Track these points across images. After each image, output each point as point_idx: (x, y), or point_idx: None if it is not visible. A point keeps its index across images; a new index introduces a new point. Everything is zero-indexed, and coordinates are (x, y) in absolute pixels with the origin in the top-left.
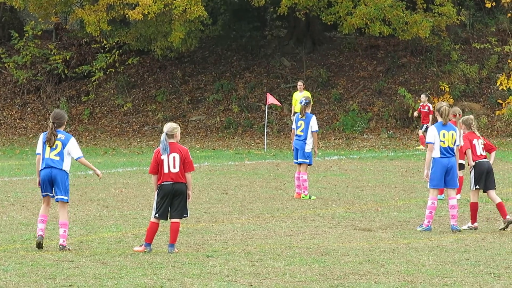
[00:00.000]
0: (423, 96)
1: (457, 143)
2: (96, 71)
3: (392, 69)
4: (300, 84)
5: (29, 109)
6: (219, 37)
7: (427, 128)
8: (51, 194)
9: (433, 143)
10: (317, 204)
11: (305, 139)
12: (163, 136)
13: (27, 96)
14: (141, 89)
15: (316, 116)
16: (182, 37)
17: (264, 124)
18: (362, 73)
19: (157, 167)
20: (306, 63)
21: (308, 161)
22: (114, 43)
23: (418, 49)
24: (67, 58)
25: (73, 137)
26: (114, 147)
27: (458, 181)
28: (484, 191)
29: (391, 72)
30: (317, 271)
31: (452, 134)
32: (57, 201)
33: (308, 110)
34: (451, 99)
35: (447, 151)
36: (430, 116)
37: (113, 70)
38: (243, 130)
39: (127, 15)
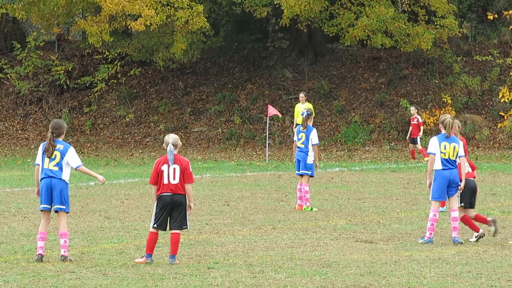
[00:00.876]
0: (412, 108)
1: (460, 154)
2: (98, 82)
3: (394, 81)
4: (302, 95)
5: (31, 120)
6: (221, 48)
7: (420, 139)
8: (49, 207)
9: (434, 154)
10: (318, 216)
11: (307, 151)
12: (170, 147)
13: (29, 107)
14: (143, 100)
15: (318, 127)
16: (184, 48)
17: (266, 136)
18: (364, 84)
19: (157, 178)
20: (308, 74)
21: (310, 172)
22: (116, 54)
23: (420, 61)
24: (69, 69)
25: (72, 147)
26: (116, 158)
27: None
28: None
29: (393, 84)
30: (318, 283)
31: (454, 147)
32: (56, 211)
33: (310, 122)
34: (453, 111)
35: (448, 163)
36: (421, 128)
37: (115, 81)
38: (245, 141)
39: (129, 26)
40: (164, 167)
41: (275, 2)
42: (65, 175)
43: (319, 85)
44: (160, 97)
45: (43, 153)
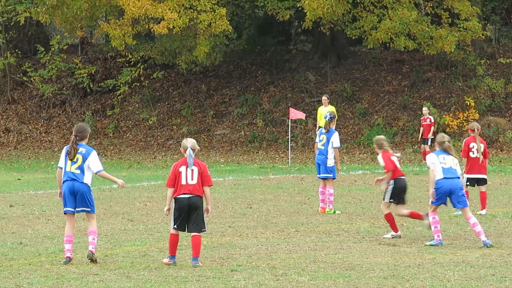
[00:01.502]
0: (424, 109)
1: (476, 155)
2: (121, 85)
3: (417, 84)
4: (324, 98)
5: (54, 122)
6: (244, 51)
7: (432, 141)
8: (72, 210)
9: (434, 164)
10: (341, 219)
11: (327, 154)
12: (189, 151)
13: (53, 110)
14: (166, 103)
15: (340, 130)
16: (207, 51)
17: (289, 138)
18: (387, 87)
19: (174, 180)
20: (330, 77)
21: (331, 175)
22: (139, 57)
23: (443, 64)
24: (93, 72)
25: (94, 151)
26: (139, 160)
27: (466, 199)
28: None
29: (416, 87)
30: (341, 286)
31: (453, 158)
32: (80, 212)
33: (333, 126)
34: (477, 114)
35: (449, 172)
36: (432, 128)
37: (138, 84)
38: (268, 144)
39: (152, 29)
40: (182, 169)
41: (298, 5)
42: (87, 179)
43: (342, 88)
44: (183, 100)
45: (65, 156)
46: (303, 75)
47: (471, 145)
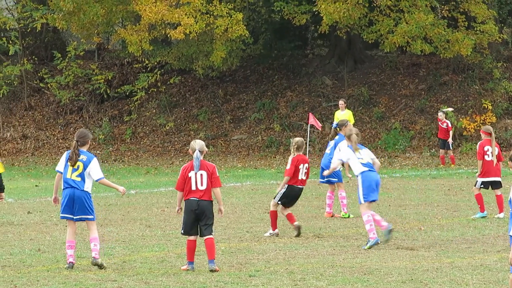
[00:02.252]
0: (440, 113)
1: (491, 158)
2: (138, 91)
3: (434, 87)
4: (341, 102)
5: (71, 129)
6: (261, 56)
7: (449, 145)
8: (70, 216)
9: (350, 159)
10: (359, 223)
11: (331, 158)
12: (197, 153)
13: (70, 116)
14: (183, 108)
15: None
16: (223, 56)
17: (306, 143)
18: (404, 91)
19: (183, 184)
20: (347, 81)
21: (336, 179)
22: (155, 63)
23: (460, 67)
24: (109, 78)
25: (95, 158)
26: (156, 166)
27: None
28: None
29: (433, 90)
30: None
31: (367, 152)
32: (78, 221)
33: (343, 132)
34: (494, 117)
35: (369, 165)
36: (450, 132)
37: (155, 90)
38: (285, 149)
39: (168, 35)
40: (191, 174)
41: (314, 10)
42: (87, 186)
43: (358, 92)
44: (200, 105)
45: (66, 162)
46: (320, 80)
47: (485, 148)
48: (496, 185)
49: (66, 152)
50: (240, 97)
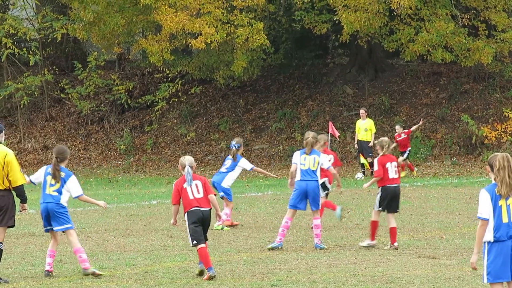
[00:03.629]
0: (397, 127)
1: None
2: (159, 101)
3: (455, 96)
4: (362, 111)
5: (92, 139)
6: (281, 65)
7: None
8: (50, 228)
9: (295, 164)
10: (380, 232)
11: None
12: (187, 168)
13: (91, 127)
14: (204, 118)
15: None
16: (244, 66)
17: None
18: (424, 100)
19: (179, 197)
20: (368, 90)
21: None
22: (176, 73)
23: (480, 76)
24: (130, 88)
25: (73, 175)
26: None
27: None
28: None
29: (454, 99)
30: None
31: (314, 158)
32: (58, 231)
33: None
34: None
35: (307, 174)
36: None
37: (176, 100)
38: None
39: (189, 45)
40: (186, 185)
41: (335, 19)
42: (64, 200)
43: (379, 100)
44: (221, 115)
45: (45, 178)
46: (340, 89)
47: None
48: None
49: (45, 167)
50: (261, 106)
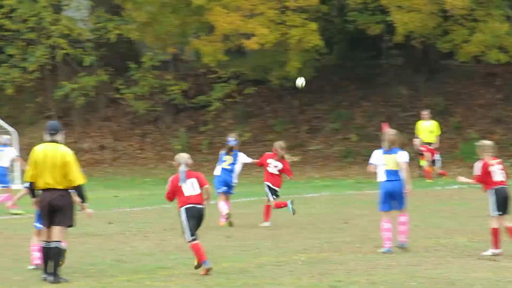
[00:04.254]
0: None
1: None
2: (214, 101)
3: (510, 97)
4: (425, 113)
5: (148, 139)
6: (335, 66)
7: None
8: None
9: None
10: (439, 234)
11: None
12: (183, 167)
13: (146, 127)
14: (259, 118)
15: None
16: (298, 66)
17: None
18: (480, 101)
19: (173, 194)
20: (423, 91)
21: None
22: (230, 73)
23: None
24: (185, 89)
25: None
26: None
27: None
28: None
29: (510, 100)
30: None
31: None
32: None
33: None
34: None
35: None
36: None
37: (231, 100)
38: (363, 159)
39: (243, 45)
40: (182, 183)
41: (388, 19)
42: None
43: (434, 102)
44: (276, 115)
45: None
46: (395, 90)
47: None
48: None
49: None
50: (315, 107)
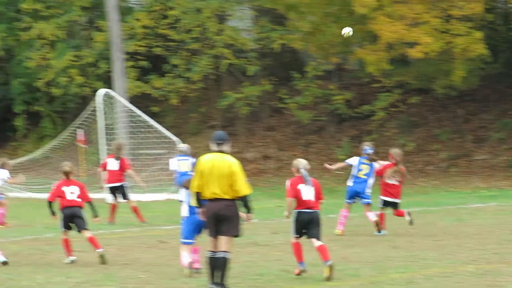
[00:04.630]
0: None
1: None
2: (378, 111)
3: None
4: None
5: (312, 149)
6: (501, 74)
7: None
8: None
9: None
10: None
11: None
12: (303, 171)
13: (310, 137)
14: (423, 128)
15: None
16: (463, 75)
17: None
18: None
19: (295, 193)
20: None
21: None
22: (394, 82)
23: None
24: (348, 98)
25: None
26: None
27: None
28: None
29: None
30: None
31: None
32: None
33: None
34: None
35: None
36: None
37: (395, 110)
38: None
39: (406, 54)
40: (301, 186)
41: None
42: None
43: None
44: (440, 125)
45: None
46: None
47: None
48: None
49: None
50: (480, 116)
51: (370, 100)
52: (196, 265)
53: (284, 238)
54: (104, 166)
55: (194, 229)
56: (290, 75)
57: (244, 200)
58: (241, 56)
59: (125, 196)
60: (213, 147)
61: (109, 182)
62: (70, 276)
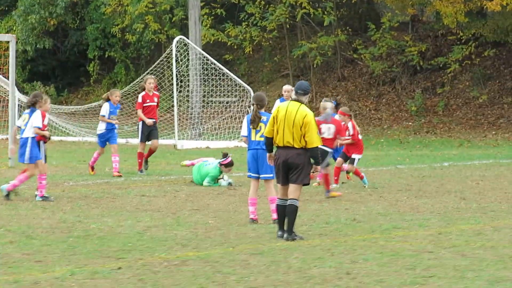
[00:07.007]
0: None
1: None
2: (452, 63)
3: None
4: None
5: (384, 100)
6: None
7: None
8: (256, 175)
9: None
10: None
11: None
12: (327, 110)
13: (382, 88)
14: (497, 81)
15: None
16: None
17: None
18: None
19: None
20: None
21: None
22: (470, 35)
23: None
24: (423, 50)
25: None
26: (469, 139)
27: None
28: None
29: None
30: None
31: None
32: (263, 179)
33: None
34: None
35: None
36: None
37: (469, 62)
38: None
39: (484, 7)
40: (322, 125)
41: None
42: None
43: None
44: None
45: (248, 126)
46: None
47: None
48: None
49: (246, 116)
50: None
51: (444, 52)
52: (252, 216)
53: (353, 189)
54: None
55: None
56: (366, 25)
57: (313, 152)
58: (317, 6)
59: None
60: (293, 95)
61: None
62: (140, 220)
